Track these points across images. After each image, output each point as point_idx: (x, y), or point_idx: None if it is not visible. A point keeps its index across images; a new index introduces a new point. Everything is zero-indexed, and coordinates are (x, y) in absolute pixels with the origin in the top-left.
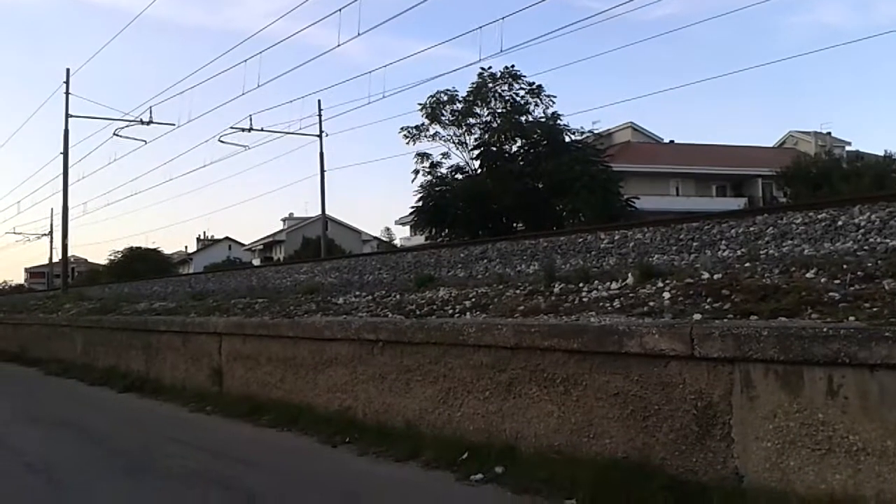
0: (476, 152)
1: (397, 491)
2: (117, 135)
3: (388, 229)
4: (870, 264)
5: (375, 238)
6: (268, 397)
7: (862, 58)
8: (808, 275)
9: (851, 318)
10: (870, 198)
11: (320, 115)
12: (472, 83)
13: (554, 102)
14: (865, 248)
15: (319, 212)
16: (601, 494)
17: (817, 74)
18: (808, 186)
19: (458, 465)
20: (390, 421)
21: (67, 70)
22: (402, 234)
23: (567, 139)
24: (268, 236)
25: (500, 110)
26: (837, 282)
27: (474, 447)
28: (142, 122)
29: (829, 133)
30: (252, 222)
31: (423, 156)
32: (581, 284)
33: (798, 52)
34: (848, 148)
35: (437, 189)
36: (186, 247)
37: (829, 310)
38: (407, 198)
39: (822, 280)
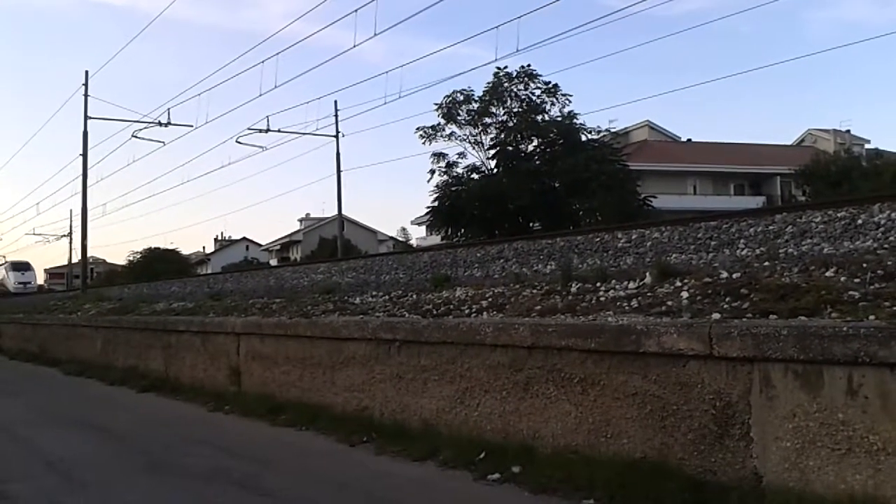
0: (492, 152)
1: (415, 490)
2: (136, 136)
3: (404, 229)
4: (890, 263)
5: (391, 238)
6: (285, 397)
7: (882, 54)
8: (827, 273)
9: (871, 317)
10: (890, 196)
11: (337, 116)
12: (488, 83)
13: (570, 101)
14: (886, 246)
15: (336, 212)
16: (619, 495)
17: (837, 71)
18: (827, 185)
19: (475, 465)
20: (407, 420)
21: (86, 72)
22: (418, 234)
23: (583, 138)
24: (285, 237)
25: (516, 109)
26: (857, 280)
27: (491, 447)
28: (160, 124)
29: (848, 131)
30: (269, 223)
31: (439, 156)
32: (598, 284)
33: (817, 49)
34: (867, 146)
35: (453, 189)
36: (204, 247)
37: (849, 309)
38: (423, 198)
39: (842, 279)
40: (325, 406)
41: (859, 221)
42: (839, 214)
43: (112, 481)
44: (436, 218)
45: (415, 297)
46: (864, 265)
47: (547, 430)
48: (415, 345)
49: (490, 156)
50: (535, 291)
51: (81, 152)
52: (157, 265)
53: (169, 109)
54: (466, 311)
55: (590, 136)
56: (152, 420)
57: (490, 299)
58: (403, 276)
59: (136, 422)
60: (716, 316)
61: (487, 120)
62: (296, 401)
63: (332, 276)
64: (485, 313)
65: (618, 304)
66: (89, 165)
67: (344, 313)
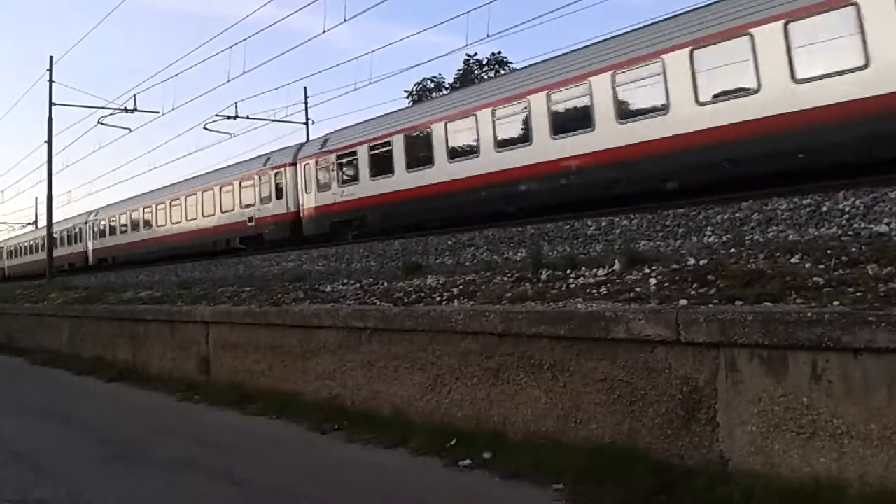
0: None
1: (386, 477)
2: (101, 123)
3: None
4: (854, 249)
5: None
6: (256, 386)
7: None
8: (792, 260)
9: (835, 303)
10: (854, 183)
11: (306, 102)
12: (459, 69)
13: None
14: (850, 233)
15: None
16: (588, 479)
17: None
18: None
19: (446, 452)
20: (379, 408)
21: (51, 58)
22: None
23: None
24: None
25: None
26: (822, 267)
27: (462, 433)
28: (126, 111)
29: None
30: None
31: None
32: (568, 271)
33: None
34: None
35: None
36: None
37: (814, 295)
38: None
39: (807, 265)
40: (295, 394)
41: (824, 208)
42: (804, 202)
43: (80, 472)
44: None
45: (386, 284)
46: (829, 251)
47: (517, 416)
48: (386, 332)
49: None
50: (505, 279)
51: (46, 139)
52: None
53: (135, 95)
54: (437, 299)
55: None
56: (120, 410)
57: (461, 287)
58: (374, 264)
59: (104, 411)
60: (683, 302)
61: None
62: (266, 389)
63: (302, 264)
64: (456, 301)
65: (587, 290)
66: (55, 152)
67: (315, 301)
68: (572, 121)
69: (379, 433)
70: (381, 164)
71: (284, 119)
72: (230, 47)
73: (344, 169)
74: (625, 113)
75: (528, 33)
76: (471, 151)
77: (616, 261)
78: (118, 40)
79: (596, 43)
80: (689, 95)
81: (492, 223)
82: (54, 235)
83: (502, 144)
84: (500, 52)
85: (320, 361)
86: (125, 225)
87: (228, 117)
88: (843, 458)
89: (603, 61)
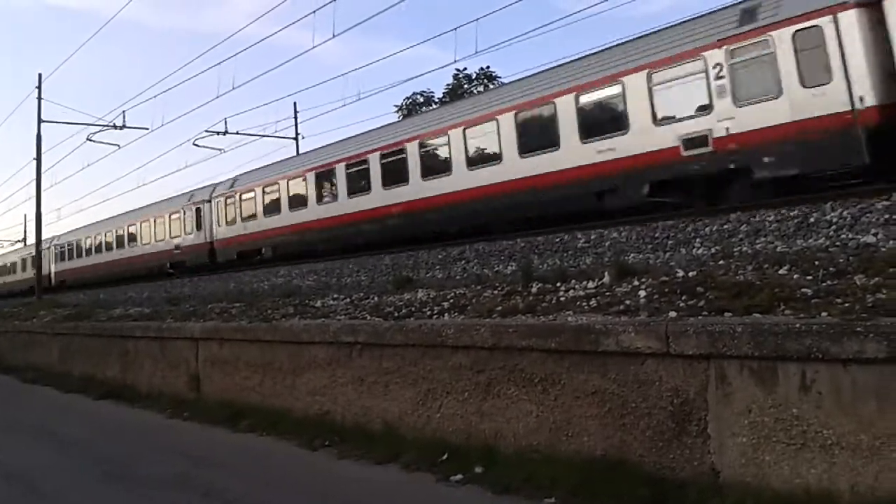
0: None
1: (378, 493)
2: (90, 139)
3: None
4: (841, 260)
5: None
6: (246, 402)
7: None
8: (780, 271)
9: (824, 314)
10: (841, 195)
11: (296, 118)
12: (448, 84)
13: None
14: (837, 244)
15: None
16: (580, 493)
17: None
18: None
19: (438, 466)
20: (370, 423)
21: (39, 75)
22: None
23: None
24: None
25: None
26: (810, 278)
27: (454, 448)
28: (115, 127)
29: None
30: None
31: None
32: (558, 284)
33: None
34: None
35: None
36: None
37: (802, 306)
38: None
39: (795, 276)
40: (286, 411)
41: (812, 220)
42: (792, 213)
43: (71, 491)
44: None
45: (376, 299)
46: (817, 262)
47: (509, 430)
48: (377, 347)
49: None
50: (496, 292)
51: (35, 156)
52: None
53: (124, 112)
54: (428, 313)
55: None
56: (110, 428)
57: (451, 301)
58: (365, 279)
59: (95, 430)
60: (672, 314)
61: None
62: (257, 406)
63: (292, 280)
64: (446, 315)
65: (577, 303)
66: (43, 169)
67: (305, 317)
68: None
69: (370, 449)
70: None
71: (274, 134)
72: (219, 63)
73: None
74: None
75: (515, 48)
76: None
77: (606, 273)
78: (107, 57)
79: None
80: None
81: (481, 237)
82: (147, 221)
83: None
84: (488, 67)
85: (311, 377)
86: (296, 196)
87: (218, 133)
88: (833, 469)
89: None
